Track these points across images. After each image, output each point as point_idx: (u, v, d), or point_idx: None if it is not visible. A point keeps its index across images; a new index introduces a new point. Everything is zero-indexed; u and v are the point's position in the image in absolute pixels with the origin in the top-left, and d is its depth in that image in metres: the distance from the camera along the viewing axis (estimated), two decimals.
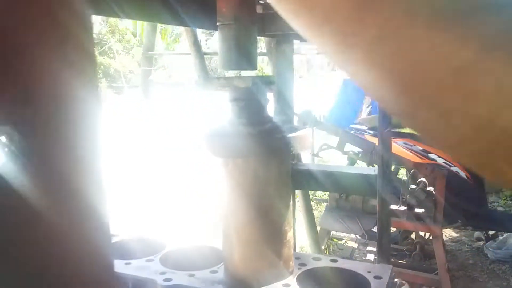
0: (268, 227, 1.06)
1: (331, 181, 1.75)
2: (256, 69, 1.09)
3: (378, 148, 4.57)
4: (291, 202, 1.15)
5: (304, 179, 1.81)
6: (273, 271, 1.08)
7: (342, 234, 4.94)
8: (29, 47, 0.32)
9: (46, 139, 0.34)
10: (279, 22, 1.57)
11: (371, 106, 11.31)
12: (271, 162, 1.05)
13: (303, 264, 1.19)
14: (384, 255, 1.58)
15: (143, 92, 3.40)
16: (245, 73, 1.64)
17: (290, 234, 1.12)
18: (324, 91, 11.98)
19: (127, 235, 1.40)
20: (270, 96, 1.19)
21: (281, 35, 1.67)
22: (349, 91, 11.65)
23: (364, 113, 11.27)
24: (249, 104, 1.04)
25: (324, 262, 1.20)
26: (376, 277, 1.10)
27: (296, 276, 1.12)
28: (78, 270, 0.38)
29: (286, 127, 1.09)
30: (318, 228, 4.22)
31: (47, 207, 0.34)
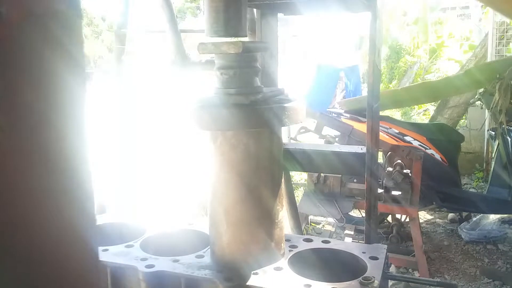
0: (259, 207, 0.99)
1: (316, 160, 1.68)
2: (246, 36, 1.00)
3: (356, 129, 4.57)
4: (282, 180, 1.07)
5: (289, 159, 1.73)
6: (264, 253, 1.01)
7: (319, 218, 4.93)
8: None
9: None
10: None
11: (344, 91, 11.37)
12: (263, 135, 0.97)
13: (294, 246, 1.12)
14: (372, 236, 1.54)
15: (116, 71, 3.25)
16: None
17: (282, 214, 1.05)
18: (299, 76, 11.95)
19: (103, 220, 1.30)
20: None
21: (267, 6, 1.58)
22: (323, 76, 11.66)
23: (338, 98, 11.31)
24: (240, 73, 0.95)
25: (316, 243, 1.14)
26: (372, 258, 1.04)
27: (288, 259, 1.05)
28: (61, 254, 0.32)
29: (278, 98, 1.01)
30: None
31: (28, 187, 0.30)
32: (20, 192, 0.28)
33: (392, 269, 3.98)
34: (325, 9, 1.61)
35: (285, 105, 0.94)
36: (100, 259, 1.02)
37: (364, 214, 4.64)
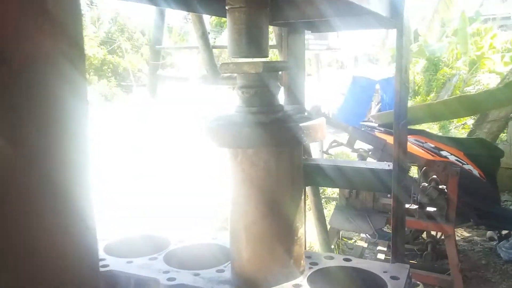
0: (279, 224, 1.00)
1: (343, 177, 1.67)
2: (267, 57, 1.02)
3: (390, 144, 4.50)
4: (303, 197, 1.08)
5: (315, 175, 1.73)
6: (283, 270, 1.02)
7: (352, 234, 4.85)
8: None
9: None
10: (290, 10, 1.50)
11: (380, 104, 11.23)
12: (284, 153, 0.98)
13: (315, 263, 1.12)
14: (398, 255, 1.51)
15: (151, 87, 3.34)
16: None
17: (301, 231, 1.06)
18: (333, 89, 11.90)
19: (130, 232, 1.35)
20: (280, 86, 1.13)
21: (292, 25, 1.60)
22: (358, 88, 11.57)
23: (373, 111, 11.17)
24: (260, 92, 0.98)
25: (337, 261, 1.13)
26: (392, 277, 1.03)
27: (307, 276, 1.05)
28: (63, 268, 0.34)
29: (298, 116, 1.02)
30: (328, 227, 4.15)
31: (29, 202, 0.32)
32: (24, 214, 0.30)
33: None
34: (350, 26, 1.62)
35: (304, 124, 0.95)
36: (100, 271, 1.06)
37: None
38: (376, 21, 1.51)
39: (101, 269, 1.10)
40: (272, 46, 2.65)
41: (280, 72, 1.53)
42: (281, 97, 1.10)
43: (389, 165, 1.64)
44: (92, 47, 19.88)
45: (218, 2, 1.15)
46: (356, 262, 1.12)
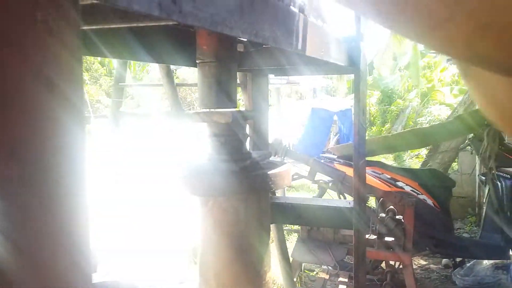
0: (248, 269, 1.03)
1: (305, 214, 1.73)
2: (236, 107, 1.08)
3: (349, 176, 4.62)
4: (269, 240, 1.12)
5: (279, 213, 1.78)
6: None
7: (313, 266, 4.90)
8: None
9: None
10: (256, 58, 1.58)
11: (338, 135, 11.53)
12: (252, 199, 1.03)
13: None
14: (360, 286, 1.57)
15: (113, 123, 3.33)
16: None
17: (269, 275, 1.09)
18: (293, 120, 12.13)
19: (95, 279, 1.33)
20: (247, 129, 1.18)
21: (257, 70, 1.68)
22: (317, 120, 11.85)
23: (332, 141, 11.45)
24: (230, 140, 1.03)
25: None
26: None
27: None
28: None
29: (265, 162, 1.08)
30: (290, 260, 4.17)
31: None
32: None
33: None
34: (311, 71, 1.72)
35: (272, 171, 1.00)
36: None
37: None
38: (336, 68, 1.61)
39: None
40: (238, 85, 2.72)
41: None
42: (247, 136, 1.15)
43: (350, 203, 1.71)
44: None
45: (187, 54, 1.21)
46: None
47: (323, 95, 16.22)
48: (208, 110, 1.06)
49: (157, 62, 1.33)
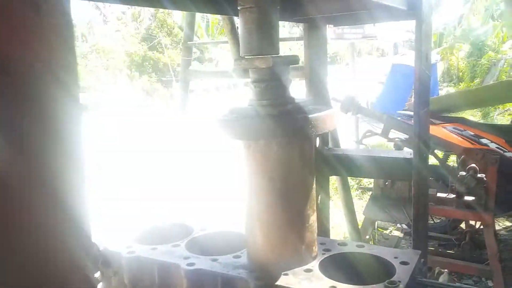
0: (289, 211, 1.05)
1: (367, 165, 1.70)
2: (278, 53, 1.07)
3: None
4: (314, 185, 1.12)
5: (340, 164, 1.77)
6: (295, 256, 1.07)
7: (387, 224, 4.81)
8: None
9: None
10: (309, 6, 1.53)
11: None
12: (293, 144, 1.03)
13: (328, 250, 1.16)
14: (420, 241, 1.53)
15: (183, 83, 3.44)
16: None
17: (313, 218, 1.10)
18: (371, 77, 11.67)
19: (156, 222, 1.43)
20: (294, 77, 1.17)
21: (312, 20, 1.63)
22: (397, 76, 11.28)
23: (413, 99, 10.88)
24: (271, 85, 1.02)
25: (350, 247, 1.17)
26: (402, 263, 1.06)
27: (319, 262, 1.10)
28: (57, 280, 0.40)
29: (310, 108, 1.07)
30: (363, 217, 4.13)
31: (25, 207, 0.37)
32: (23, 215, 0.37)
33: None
34: (371, 19, 1.63)
35: (313, 115, 0.99)
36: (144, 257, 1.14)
37: (434, 220, 4.46)
38: (394, 13, 1.52)
39: (128, 255, 1.18)
40: (300, 39, 2.67)
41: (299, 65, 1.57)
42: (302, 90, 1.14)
43: (410, 154, 1.65)
44: (133, 44, 20.39)
45: (231, 2, 1.20)
46: (369, 249, 1.15)
47: (405, 50, 15.36)
48: (250, 56, 1.06)
49: (201, 12, 1.35)
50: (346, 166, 1.67)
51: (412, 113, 4.85)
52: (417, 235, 1.56)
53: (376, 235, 4.51)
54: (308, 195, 1.08)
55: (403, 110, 5.52)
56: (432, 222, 4.72)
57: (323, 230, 1.82)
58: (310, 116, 1.00)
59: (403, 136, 4.86)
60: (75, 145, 0.40)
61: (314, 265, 1.08)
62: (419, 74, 1.54)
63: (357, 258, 1.12)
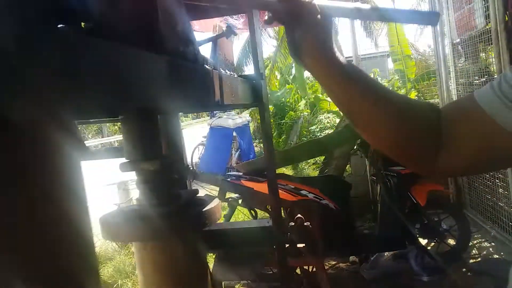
0: None
1: (227, 240, 1.82)
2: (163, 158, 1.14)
3: (256, 191, 4.78)
4: (208, 271, 1.20)
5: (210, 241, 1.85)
6: None
7: (233, 283, 4.98)
8: None
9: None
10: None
11: (239, 150, 11.80)
12: (189, 238, 1.10)
13: None
14: None
15: None
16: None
17: None
18: (191, 140, 12.13)
19: None
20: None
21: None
22: (217, 138, 11.95)
23: (234, 157, 11.65)
24: (159, 184, 1.09)
25: None
26: None
27: None
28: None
29: (196, 199, 1.16)
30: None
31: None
32: None
33: None
34: (225, 108, 1.83)
35: (205, 209, 1.09)
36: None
37: (274, 270, 4.79)
38: (242, 104, 1.74)
39: None
40: None
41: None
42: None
43: (268, 222, 1.85)
44: None
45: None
46: None
47: (220, 113, 16.48)
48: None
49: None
50: (218, 241, 1.77)
51: (241, 173, 5.26)
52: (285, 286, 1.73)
53: None
54: (205, 282, 1.15)
55: (228, 169, 5.89)
56: (271, 273, 5.07)
57: None
58: (203, 210, 1.09)
59: (236, 195, 5.20)
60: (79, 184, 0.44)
61: None
62: (268, 153, 1.77)
63: None
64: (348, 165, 7.29)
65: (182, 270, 1.09)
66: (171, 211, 1.06)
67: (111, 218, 1.07)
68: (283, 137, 13.40)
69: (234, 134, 11.61)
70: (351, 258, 5.59)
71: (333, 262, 5.62)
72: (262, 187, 4.98)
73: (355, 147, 5.83)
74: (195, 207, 1.11)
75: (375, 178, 5.31)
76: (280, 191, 4.89)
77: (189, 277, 1.10)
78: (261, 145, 13.02)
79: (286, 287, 1.75)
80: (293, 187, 5.15)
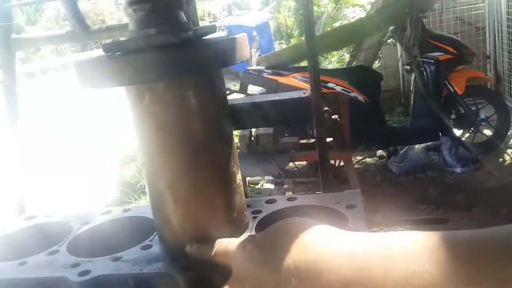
0: (212, 172, 0.80)
1: (260, 114, 1.50)
2: None
3: (281, 83, 4.47)
4: (233, 137, 0.89)
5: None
6: (224, 228, 0.83)
7: (257, 178, 4.85)
8: None
9: None
10: None
11: (259, 50, 11.27)
12: (203, 83, 0.76)
13: (258, 211, 0.95)
14: (328, 183, 1.43)
15: (6, 60, 2.75)
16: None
17: (239, 177, 0.87)
18: None
19: (14, 227, 1.04)
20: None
21: None
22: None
23: (254, 57, 11.17)
24: (159, 6, 0.73)
25: (281, 203, 0.98)
26: (349, 207, 0.91)
27: (254, 227, 0.88)
28: None
29: (215, 35, 0.81)
30: None
31: None
32: None
33: None
34: None
35: (228, 38, 0.74)
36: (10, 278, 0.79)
37: (300, 167, 4.61)
38: None
39: None
40: None
41: None
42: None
43: (304, 93, 1.51)
44: None
45: None
46: (303, 199, 0.97)
47: (237, 11, 15.60)
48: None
49: None
50: (240, 117, 1.46)
51: (263, 67, 4.88)
52: (325, 179, 1.46)
53: (248, 192, 4.50)
54: (230, 148, 0.84)
55: (250, 67, 5.53)
56: (296, 169, 4.91)
57: None
58: (226, 39, 0.75)
59: (259, 90, 4.88)
60: None
61: (249, 234, 0.86)
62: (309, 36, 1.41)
63: (296, 213, 0.93)
64: (377, 58, 6.78)
65: (198, 130, 0.77)
66: (176, 42, 0.71)
67: (95, 57, 0.73)
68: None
69: (254, 33, 11.04)
70: (379, 152, 5.36)
71: (359, 158, 5.40)
72: (285, 80, 4.66)
73: (388, 34, 5.32)
74: (212, 38, 0.76)
75: (409, 67, 4.87)
76: (305, 84, 4.55)
77: (208, 141, 0.79)
78: (282, 46, 12.42)
79: (325, 173, 1.46)
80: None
